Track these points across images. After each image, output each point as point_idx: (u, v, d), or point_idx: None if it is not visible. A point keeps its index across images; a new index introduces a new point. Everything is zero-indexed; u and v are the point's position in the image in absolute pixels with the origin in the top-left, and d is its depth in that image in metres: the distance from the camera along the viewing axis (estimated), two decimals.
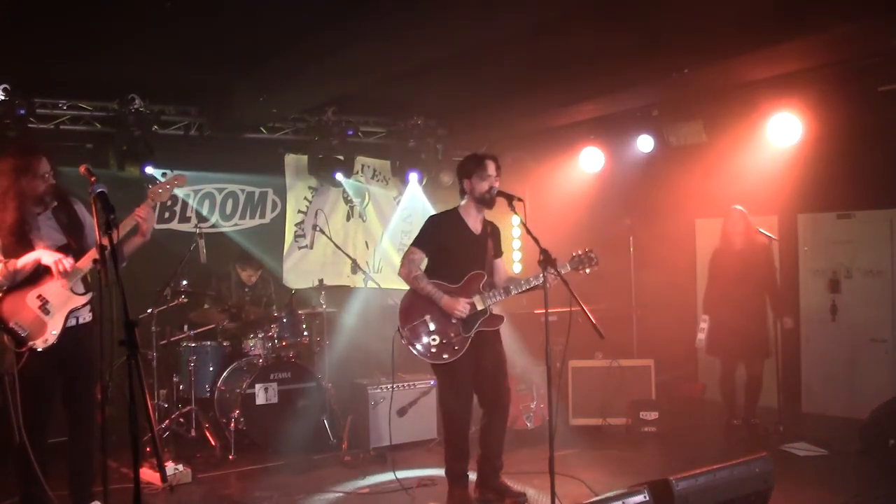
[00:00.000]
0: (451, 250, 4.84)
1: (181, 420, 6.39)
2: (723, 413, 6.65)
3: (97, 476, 4.06)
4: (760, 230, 6.42)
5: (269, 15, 5.11)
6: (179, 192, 7.41)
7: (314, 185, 8.28)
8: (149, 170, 6.96)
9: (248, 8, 4.96)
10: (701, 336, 6.40)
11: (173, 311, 6.49)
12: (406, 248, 4.98)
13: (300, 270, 8.21)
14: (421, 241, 4.86)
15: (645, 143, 7.63)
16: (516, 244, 9.19)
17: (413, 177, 8.41)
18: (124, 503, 3.15)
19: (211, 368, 6.63)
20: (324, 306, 6.88)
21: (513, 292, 4.82)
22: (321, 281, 7.06)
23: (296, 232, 8.25)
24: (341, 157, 7.89)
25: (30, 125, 6.37)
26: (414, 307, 4.77)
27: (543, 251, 4.32)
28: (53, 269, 4.04)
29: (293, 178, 8.19)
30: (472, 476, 4.97)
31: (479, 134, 8.26)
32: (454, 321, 4.72)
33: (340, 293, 7.65)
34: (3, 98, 6.07)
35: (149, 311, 6.11)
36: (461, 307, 4.69)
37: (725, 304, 6.33)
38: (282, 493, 5.27)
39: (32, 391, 4.09)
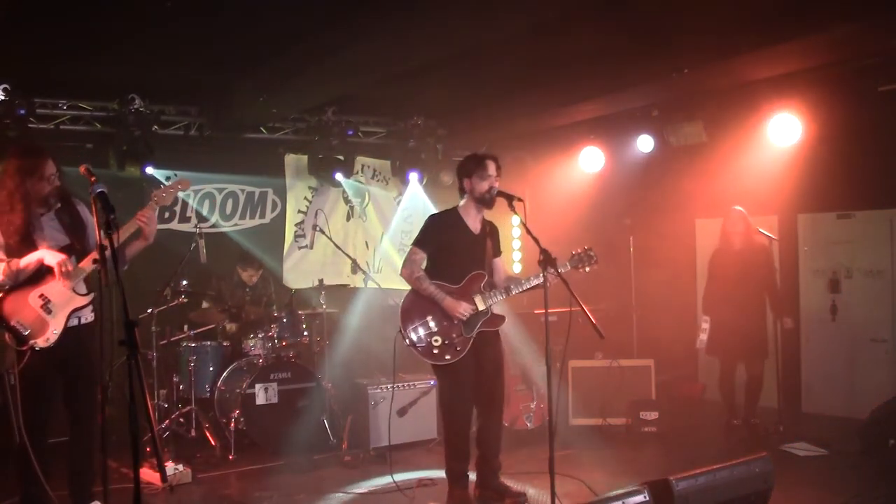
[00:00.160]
0: (451, 250, 4.83)
1: (181, 420, 6.39)
2: (723, 413, 6.65)
3: (97, 476, 4.06)
4: (760, 230, 6.41)
5: (269, 15, 5.11)
6: (180, 192, 7.38)
7: (314, 185, 8.28)
8: (149, 170, 6.97)
9: (248, 8, 4.96)
10: (703, 337, 6.39)
11: (173, 311, 6.50)
12: (406, 248, 4.98)
13: (300, 270, 8.22)
14: (421, 241, 4.86)
15: (645, 143, 7.63)
16: (516, 244, 9.19)
17: (413, 176, 8.42)
18: (124, 503, 3.14)
19: (211, 368, 6.63)
20: (324, 306, 6.87)
21: (513, 292, 4.82)
22: (321, 281, 7.06)
23: (296, 232, 8.25)
24: (341, 157, 7.89)
25: (30, 125, 6.37)
26: (416, 308, 4.77)
27: (543, 251, 4.32)
28: (56, 269, 4.04)
29: (293, 178, 8.20)
30: (472, 476, 4.97)
31: (479, 134, 8.26)
32: (456, 322, 4.72)
33: (340, 293, 7.65)
34: (3, 98, 6.07)
35: (149, 311, 6.11)
36: (463, 309, 4.69)
37: (725, 305, 6.33)
38: (282, 493, 5.27)
39: (33, 391, 4.09)
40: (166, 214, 7.45)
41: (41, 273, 4.11)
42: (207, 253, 6.21)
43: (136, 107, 6.62)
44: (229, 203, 7.92)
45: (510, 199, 4.59)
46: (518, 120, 7.77)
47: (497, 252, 5.07)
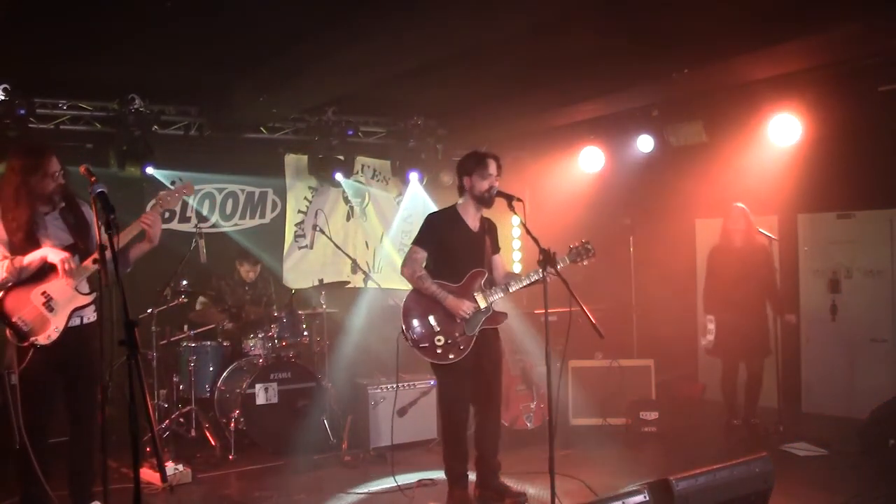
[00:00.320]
0: (450, 248, 4.83)
1: (181, 420, 6.39)
2: (723, 413, 6.64)
3: (97, 476, 4.06)
4: (760, 230, 6.41)
5: (269, 15, 5.11)
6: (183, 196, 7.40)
7: (314, 185, 8.29)
8: (149, 170, 6.97)
9: (248, 8, 4.96)
10: (710, 338, 6.35)
11: (173, 311, 6.50)
12: (406, 248, 4.98)
13: (300, 270, 8.22)
14: (421, 240, 4.86)
15: (645, 143, 7.63)
16: (516, 244, 9.19)
17: (413, 176, 8.42)
18: (124, 503, 3.14)
19: (211, 368, 6.63)
20: (324, 306, 6.88)
21: (513, 288, 4.81)
22: (321, 281, 7.06)
23: (296, 232, 8.26)
24: (341, 157, 7.90)
25: (30, 125, 6.38)
26: (418, 307, 4.77)
27: (543, 251, 4.32)
28: (59, 267, 4.05)
29: (293, 178, 8.20)
30: (472, 476, 4.97)
31: (479, 134, 8.25)
32: (458, 320, 4.72)
33: (340, 293, 7.65)
34: (3, 98, 6.08)
35: (149, 311, 6.11)
36: (466, 307, 4.69)
37: (727, 305, 6.31)
38: (282, 493, 5.27)
39: (35, 391, 4.10)
40: (166, 214, 7.44)
41: (44, 271, 4.12)
42: (207, 253, 6.21)
43: (136, 107, 6.62)
44: (229, 203, 7.92)
45: (510, 199, 4.58)
46: (518, 120, 7.77)
47: (496, 249, 5.07)
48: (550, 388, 4.23)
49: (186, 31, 5.29)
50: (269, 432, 6.27)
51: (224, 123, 7.33)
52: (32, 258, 4.08)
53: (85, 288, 4.20)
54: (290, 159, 8.17)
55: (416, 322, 4.74)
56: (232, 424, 6.14)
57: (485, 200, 4.83)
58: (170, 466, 5.38)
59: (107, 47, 5.51)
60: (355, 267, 7.37)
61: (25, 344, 4.04)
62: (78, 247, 4.21)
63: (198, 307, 6.86)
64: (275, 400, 6.32)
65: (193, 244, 6.22)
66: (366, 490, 5.37)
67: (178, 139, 7.38)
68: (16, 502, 4.26)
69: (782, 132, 6.62)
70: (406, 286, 4.88)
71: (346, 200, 8.52)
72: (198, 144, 7.47)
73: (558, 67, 6.36)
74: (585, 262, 4.77)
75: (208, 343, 6.67)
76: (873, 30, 5.08)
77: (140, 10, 4.88)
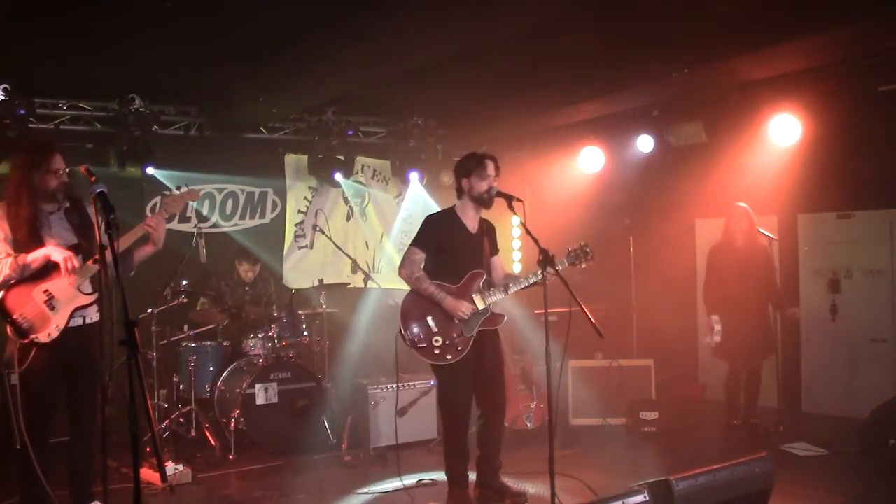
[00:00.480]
0: (449, 250, 4.83)
1: (181, 420, 6.39)
2: (723, 413, 6.64)
3: (97, 476, 4.06)
4: (760, 230, 6.41)
5: (269, 15, 5.11)
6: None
7: (314, 185, 8.29)
8: (150, 170, 6.97)
9: (248, 8, 4.96)
10: (717, 339, 6.32)
11: (173, 311, 6.50)
12: (405, 248, 4.98)
13: (300, 270, 8.22)
14: (420, 241, 4.86)
15: (645, 143, 7.62)
16: (516, 244, 9.18)
17: (414, 176, 8.41)
18: (124, 503, 3.14)
19: (211, 368, 6.63)
20: (324, 306, 6.88)
21: (512, 290, 4.82)
22: (321, 281, 7.05)
23: (296, 232, 8.26)
24: (341, 157, 7.90)
25: (30, 125, 6.37)
26: (416, 308, 4.77)
27: (543, 251, 4.32)
28: (62, 265, 4.05)
29: (293, 178, 8.20)
30: (472, 476, 4.97)
31: (479, 134, 8.26)
32: (456, 321, 4.72)
33: (340, 293, 7.65)
34: (3, 98, 6.07)
35: (149, 311, 6.11)
36: (464, 308, 4.69)
37: (730, 307, 6.27)
38: (282, 493, 5.27)
39: (36, 390, 4.10)
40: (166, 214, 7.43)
41: (47, 269, 4.12)
42: (207, 253, 6.21)
43: (136, 107, 6.62)
44: (229, 203, 7.92)
45: (509, 199, 4.58)
46: (518, 120, 7.77)
47: (495, 250, 5.07)
48: (550, 388, 4.24)
49: (186, 31, 5.29)
50: (269, 432, 6.27)
51: (224, 123, 7.33)
52: (36, 256, 4.08)
53: (87, 288, 4.20)
54: (290, 159, 8.17)
55: (414, 323, 4.74)
56: (232, 424, 6.14)
57: (484, 201, 4.83)
58: (170, 466, 5.38)
59: (107, 47, 5.51)
60: (355, 267, 7.36)
61: (26, 341, 4.05)
62: (82, 247, 4.21)
63: (199, 308, 6.86)
64: (275, 400, 6.32)
65: (193, 244, 6.22)
66: (366, 490, 5.37)
67: (178, 139, 7.38)
68: (16, 502, 4.26)
69: (782, 132, 6.61)
70: (406, 286, 4.88)
71: (346, 200, 8.52)
72: (198, 144, 7.47)
73: (558, 67, 6.36)
74: (584, 265, 4.77)
75: (208, 343, 6.67)
76: (873, 30, 5.08)
77: (140, 10, 4.88)
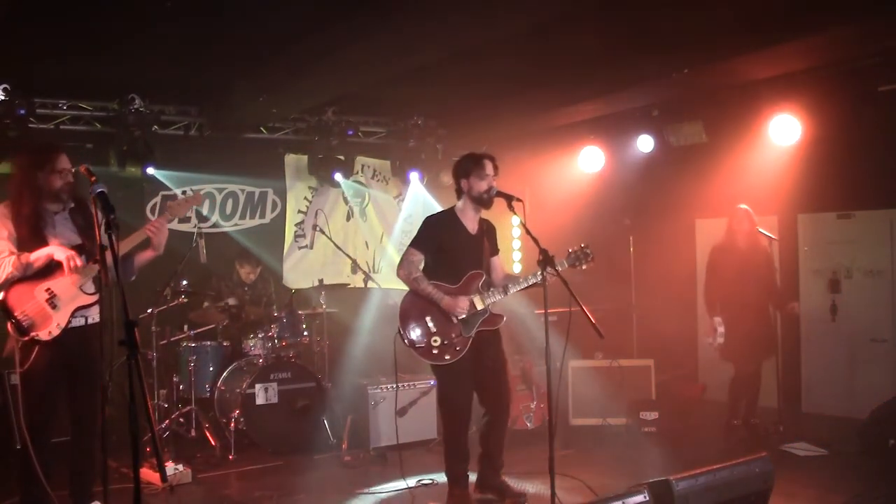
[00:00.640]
0: (448, 251, 4.83)
1: (181, 420, 6.39)
2: (723, 413, 6.64)
3: (98, 476, 4.06)
4: (760, 230, 6.41)
5: (269, 15, 5.11)
6: (179, 193, 7.42)
7: (314, 185, 8.28)
8: (150, 170, 6.96)
9: (249, 8, 4.96)
10: (720, 340, 6.31)
11: (173, 311, 6.50)
12: (405, 249, 4.98)
13: (300, 270, 8.22)
14: (419, 242, 4.86)
15: (645, 143, 7.62)
16: (516, 244, 9.19)
17: (414, 176, 8.41)
18: (124, 503, 3.14)
19: (211, 368, 6.63)
20: (324, 306, 6.88)
21: (512, 291, 4.81)
22: (321, 281, 7.04)
23: (296, 232, 8.25)
24: (341, 157, 7.90)
25: (30, 125, 6.37)
26: (414, 308, 4.77)
27: (543, 251, 4.32)
28: (64, 264, 4.06)
29: (293, 178, 8.19)
30: (472, 476, 4.96)
31: (479, 134, 8.25)
32: (455, 322, 4.72)
33: (340, 293, 7.65)
34: (3, 98, 6.07)
35: (149, 311, 6.11)
36: (461, 308, 4.69)
37: (730, 306, 6.28)
38: (282, 493, 5.27)
39: (38, 390, 4.11)
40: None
41: (50, 268, 4.14)
42: (207, 253, 6.21)
43: (136, 107, 6.61)
44: (229, 203, 7.92)
45: (509, 199, 4.58)
46: (518, 120, 7.77)
47: (495, 251, 5.07)
48: (550, 388, 4.24)
49: (186, 31, 5.29)
50: (269, 432, 6.27)
51: (224, 123, 7.32)
52: (39, 255, 4.10)
53: (90, 288, 4.21)
54: (290, 159, 8.17)
55: (412, 323, 4.74)
56: (232, 424, 6.14)
57: (484, 201, 4.83)
58: (170, 466, 5.38)
59: (107, 47, 5.51)
60: (355, 267, 7.35)
61: (26, 339, 4.06)
62: (85, 247, 4.22)
63: (205, 305, 6.86)
64: (275, 400, 6.32)
65: (193, 244, 6.22)
66: (366, 490, 5.37)
67: (178, 139, 7.38)
68: (16, 502, 4.26)
69: (782, 132, 6.61)
70: (406, 286, 4.88)
71: (346, 200, 8.52)
72: (198, 144, 7.46)
73: (558, 67, 6.36)
74: (584, 266, 4.76)
75: (208, 343, 6.67)
76: (873, 30, 5.08)
77: (140, 10, 4.88)
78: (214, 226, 7.75)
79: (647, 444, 6.39)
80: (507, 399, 4.96)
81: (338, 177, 7.96)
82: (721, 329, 6.26)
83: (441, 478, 5.06)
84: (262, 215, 8.12)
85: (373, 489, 5.38)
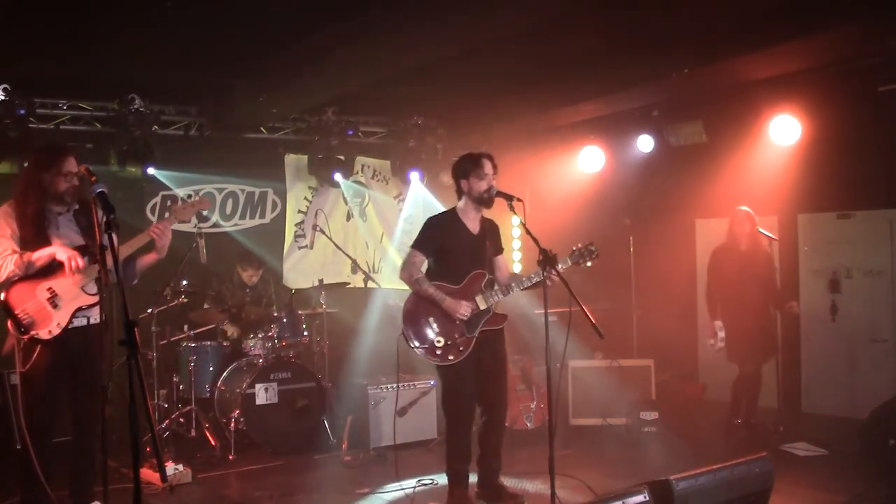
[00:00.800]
0: (450, 252, 4.83)
1: (181, 420, 6.39)
2: (723, 413, 6.64)
3: (98, 476, 4.06)
4: (760, 230, 6.42)
5: (268, 15, 5.11)
6: (179, 192, 7.43)
7: (314, 185, 8.28)
8: (150, 170, 6.96)
9: (248, 8, 4.96)
10: (721, 344, 6.31)
11: (173, 311, 6.50)
12: (406, 249, 4.98)
13: (300, 270, 8.22)
14: (420, 244, 4.86)
15: (645, 143, 7.62)
16: (516, 244, 9.18)
17: (414, 176, 8.41)
18: (124, 503, 3.14)
19: (211, 368, 6.63)
20: (324, 306, 6.88)
21: (514, 290, 4.81)
22: (321, 281, 7.04)
23: (296, 232, 8.25)
24: (341, 157, 7.89)
25: (30, 125, 6.37)
26: (417, 310, 4.77)
27: (543, 251, 4.32)
28: (66, 264, 4.06)
29: (293, 178, 8.19)
30: (473, 477, 4.96)
31: (480, 133, 8.26)
32: (457, 322, 4.72)
33: (340, 293, 7.65)
34: (3, 98, 6.07)
35: (149, 311, 6.11)
36: (463, 309, 4.68)
37: (733, 307, 6.28)
38: (282, 493, 5.27)
39: (39, 390, 4.11)
40: (166, 214, 7.43)
41: (52, 268, 4.14)
42: (207, 253, 6.20)
43: (136, 107, 6.61)
44: (229, 203, 7.92)
45: (509, 199, 4.57)
46: (518, 119, 7.77)
47: (498, 250, 5.05)
48: (550, 388, 4.24)
49: (186, 31, 5.29)
50: (269, 432, 6.27)
51: (224, 123, 7.32)
52: (41, 254, 4.11)
53: (92, 289, 4.20)
54: (290, 159, 8.16)
55: (415, 324, 4.74)
56: (232, 424, 6.14)
57: (484, 201, 4.83)
58: (170, 466, 5.38)
59: (107, 47, 5.51)
60: (355, 267, 7.35)
61: (26, 337, 4.06)
62: (88, 248, 4.22)
63: (206, 307, 6.86)
64: (275, 400, 6.32)
65: (193, 244, 6.21)
66: (367, 490, 5.36)
67: (178, 139, 7.37)
68: (16, 502, 4.26)
69: (782, 132, 6.62)
70: (406, 286, 4.88)
71: (346, 200, 8.51)
72: (198, 144, 7.46)
73: (558, 67, 6.36)
74: (589, 264, 4.76)
75: (208, 343, 6.67)
76: (873, 30, 5.08)
77: (140, 10, 4.89)
78: (214, 226, 7.74)
79: (647, 444, 6.39)
80: (504, 399, 4.96)
81: (338, 177, 7.95)
82: (721, 333, 6.27)
83: (441, 478, 5.05)
84: (262, 215, 8.12)
85: (373, 489, 5.38)
